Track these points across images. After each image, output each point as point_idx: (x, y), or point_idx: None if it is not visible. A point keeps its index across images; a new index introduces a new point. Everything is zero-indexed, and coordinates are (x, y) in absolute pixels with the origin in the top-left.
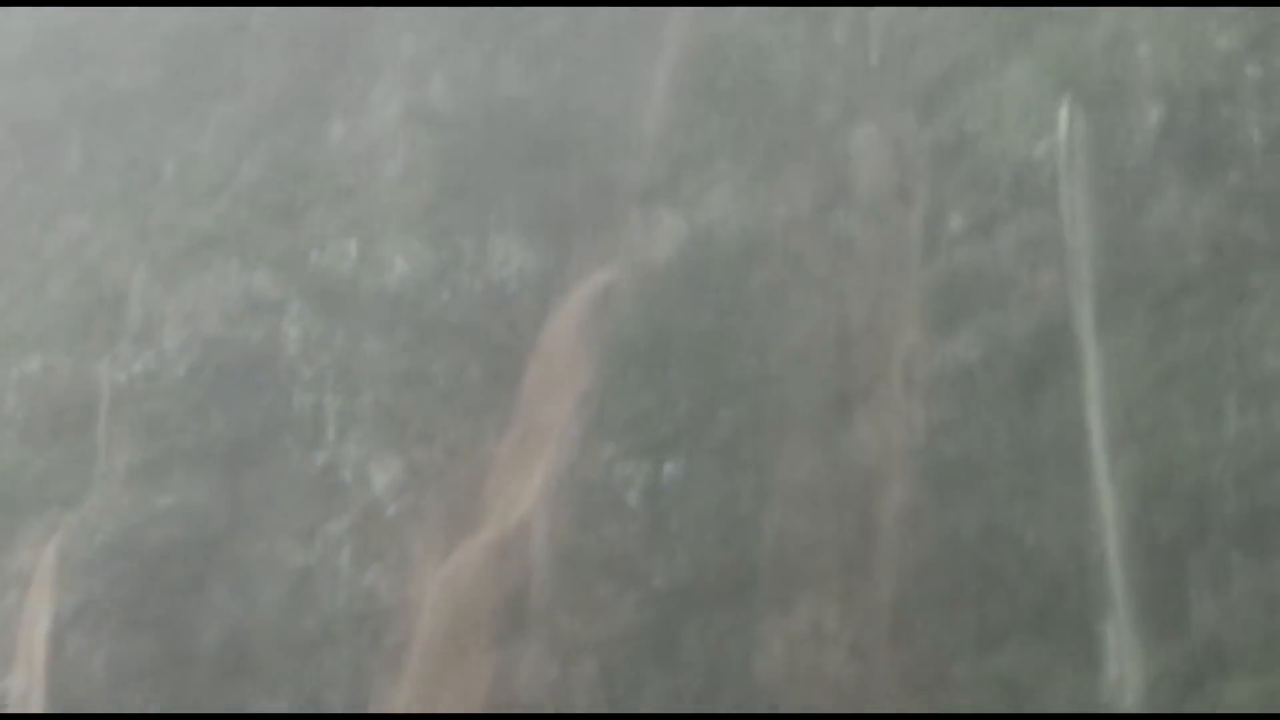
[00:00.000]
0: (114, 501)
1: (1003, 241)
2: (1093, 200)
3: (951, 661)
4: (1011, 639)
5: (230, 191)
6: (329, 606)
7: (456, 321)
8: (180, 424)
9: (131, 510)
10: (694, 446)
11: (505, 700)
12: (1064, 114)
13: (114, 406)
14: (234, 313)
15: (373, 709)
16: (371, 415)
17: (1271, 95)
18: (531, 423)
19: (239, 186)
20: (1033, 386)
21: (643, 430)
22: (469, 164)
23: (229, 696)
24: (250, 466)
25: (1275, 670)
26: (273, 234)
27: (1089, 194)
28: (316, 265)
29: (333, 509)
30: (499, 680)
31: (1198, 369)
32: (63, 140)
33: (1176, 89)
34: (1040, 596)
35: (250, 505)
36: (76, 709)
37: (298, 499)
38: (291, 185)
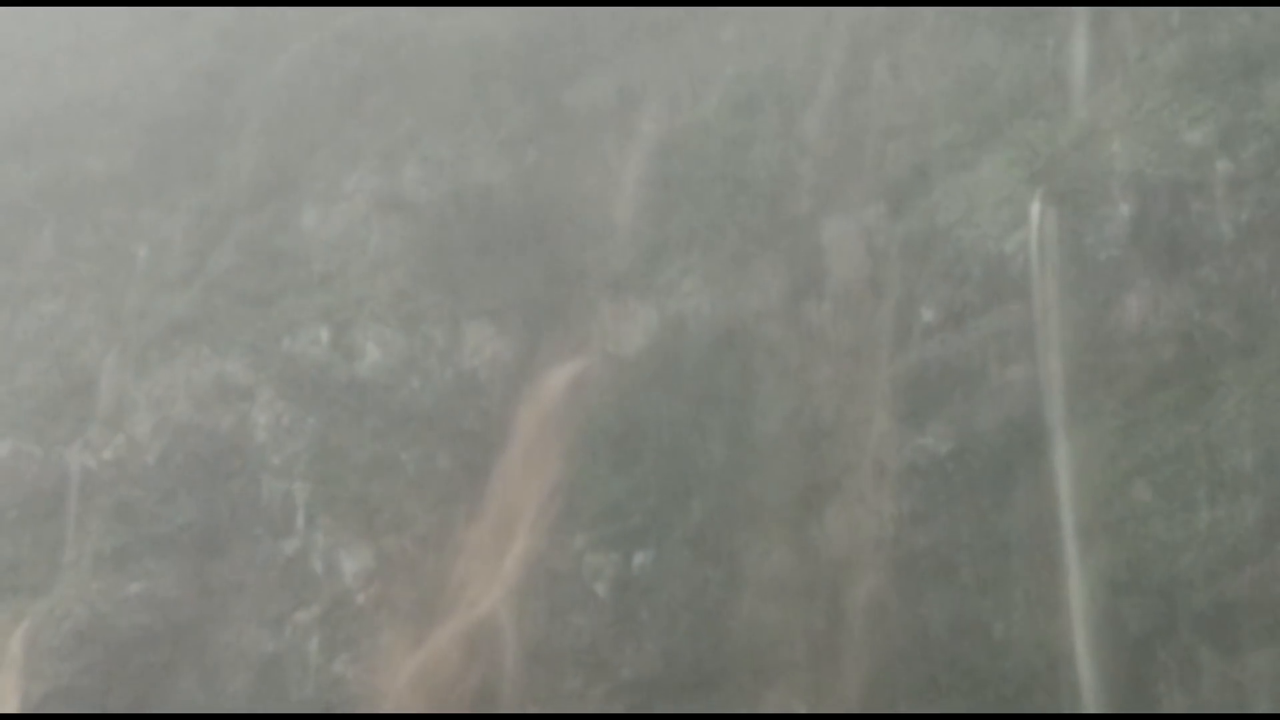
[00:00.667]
0: (83, 588)
1: (974, 334)
2: (1064, 294)
3: None
4: None
5: (202, 277)
6: (297, 695)
7: (427, 409)
8: (150, 510)
9: (100, 597)
10: (664, 537)
11: None
12: (1036, 208)
13: (84, 492)
14: (205, 399)
15: None
16: (341, 503)
17: (1241, 190)
18: (502, 512)
19: (211, 272)
20: (1003, 479)
21: (613, 520)
22: (441, 252)
23: None
24: (219, 554)
25: None
26: (244, 320)
27: (1060, 287)
28: (288, 352)
29: (302, 597)
30: None
31: (1168, 462)
32: (35, 224)
33: (1147, 184)
34: (1010, 689)
35: (219, 593)
36: None
37: (267, 587)
38: (264, 272)
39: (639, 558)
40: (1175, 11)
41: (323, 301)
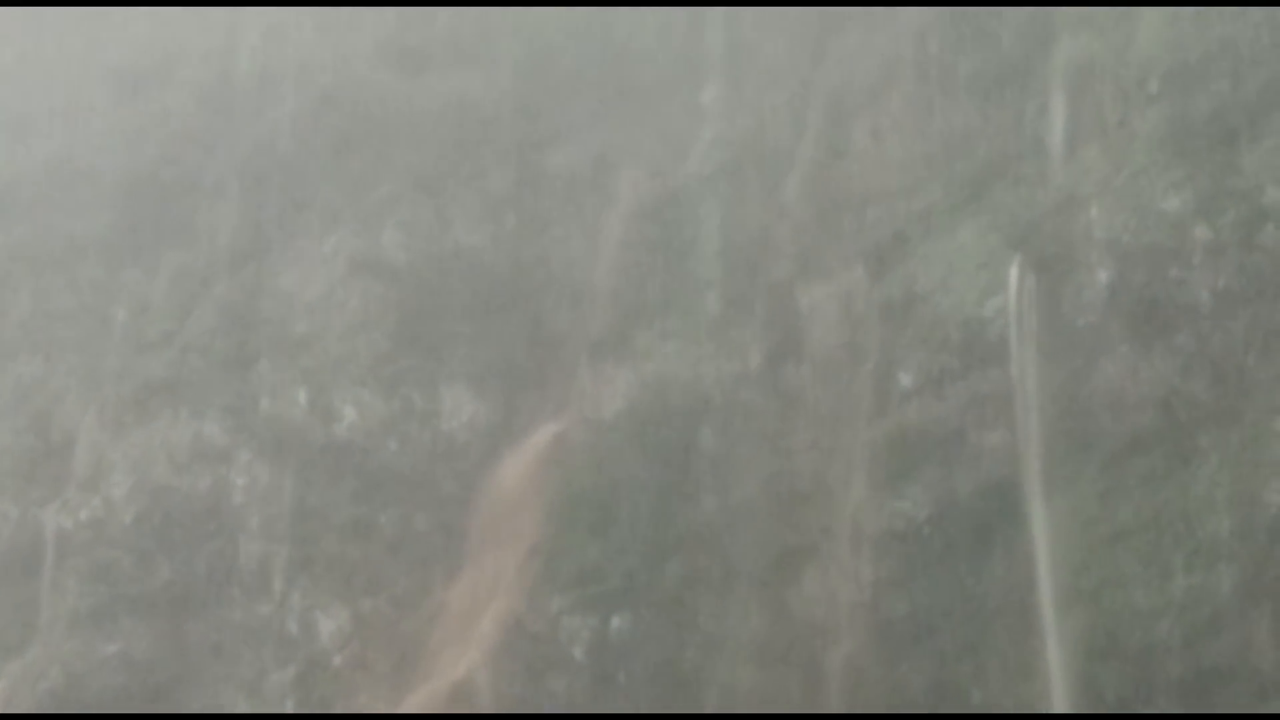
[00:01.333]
0: (58, 649)
1: (952, 399)
2: (1042, 359)
3: None
4: None
5: (181, 339)
6: None
7: (405, 471)
8: (126, 572)
9: (76, 658)
10: (642, 600)
11: None
12: (1014, 273)
13: (60, 553)
14: (182, 461)
15: None
16: (318, 565)
17: (1220, 257)
18: (479, 574)
19: (190, 334)
20: (981, 544)
21: (590, 583)
22: (420, 314)
23: None
24: (196, 615)
25: None
26: (223, 382)
27: (1038, 353)
28: (266, 414)
29: (278, 659)
30: None
31: (1145, 529)
32: (12, 285)
33: (1126, 250)
34: None
35: (195, 654)
36: None
37: (243, 648)
38: (242, 334)
39: (616, 621)
40: (1154, 78)
41: (301, 363)
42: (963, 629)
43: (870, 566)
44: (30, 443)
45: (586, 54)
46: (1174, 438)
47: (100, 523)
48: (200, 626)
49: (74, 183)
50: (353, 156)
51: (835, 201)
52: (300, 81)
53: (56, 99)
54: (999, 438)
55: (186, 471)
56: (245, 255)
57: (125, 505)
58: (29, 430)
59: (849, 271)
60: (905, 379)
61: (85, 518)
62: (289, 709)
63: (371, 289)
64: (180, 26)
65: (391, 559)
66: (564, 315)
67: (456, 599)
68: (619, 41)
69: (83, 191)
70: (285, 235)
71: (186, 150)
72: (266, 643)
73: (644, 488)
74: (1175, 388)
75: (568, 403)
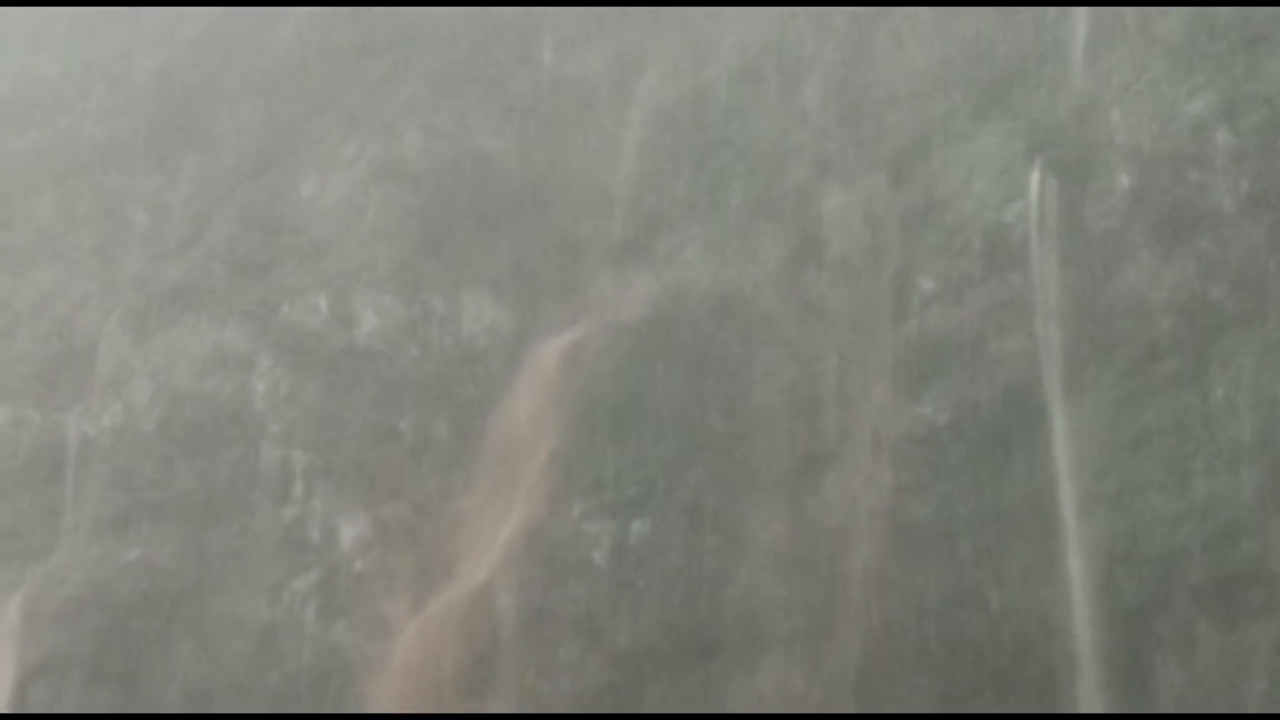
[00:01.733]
0: (81, 555)
1: (973, 305)
2: (1063, 265)
3: None
4: (977, 702)
5: (202, 245)
6: (294, 663)
7: (426, 378)
8: (148, 478)
9: (98, 564)
10: (662, 506)
11: None
12: (1035, 178)
13: (82, 459)
14: (203, 367)
15: None
16: (340, 471)
17: (1242, 161)
18: (499, 480)
19: (210, 240)
20: (1001, 450)
21: (611, 489)
22: (440, 220)
23: None
24: (217, 521)
25: None
26: (243, 288)
27: (1059, 258)
28: (287, 320)
29: (299, 565)
30: None
31: (1166, 434)
32: (34, 191)
33: (1147, 154)
34: (1006, 661)
35: (217, 560)
36: None
37: (264, 554)
38: (263, 239)
39: (636, 526)
40: None
41: (322, 269)
42: (982, 534)
43: (890, 472)
44: (52, 349)
45: None
46: (1195, 343)
47: (122, 429)
48: (222, 532)
49: (94, 88)
50: (373, 61)
51: (856, 106)
52: None
53: (76, 5)
54: (1019, 343)
55: (207, 377)
56: (266, 161)
57: (147, 411)
58: (51, 336)
59: (870, 177)
60: (926, 284)
61: (107, 424)
62: (310, 615)
63: (392, 194)
64: None
65: (412, 465)
66: (585, 220)
67: (477, 505)
68: None
69: (103, 97)
70: (306, 140)
71: (207, 55)
72: (287, 549)
73: (664, 394)
74: (1196, 293)
75: (588, 308)
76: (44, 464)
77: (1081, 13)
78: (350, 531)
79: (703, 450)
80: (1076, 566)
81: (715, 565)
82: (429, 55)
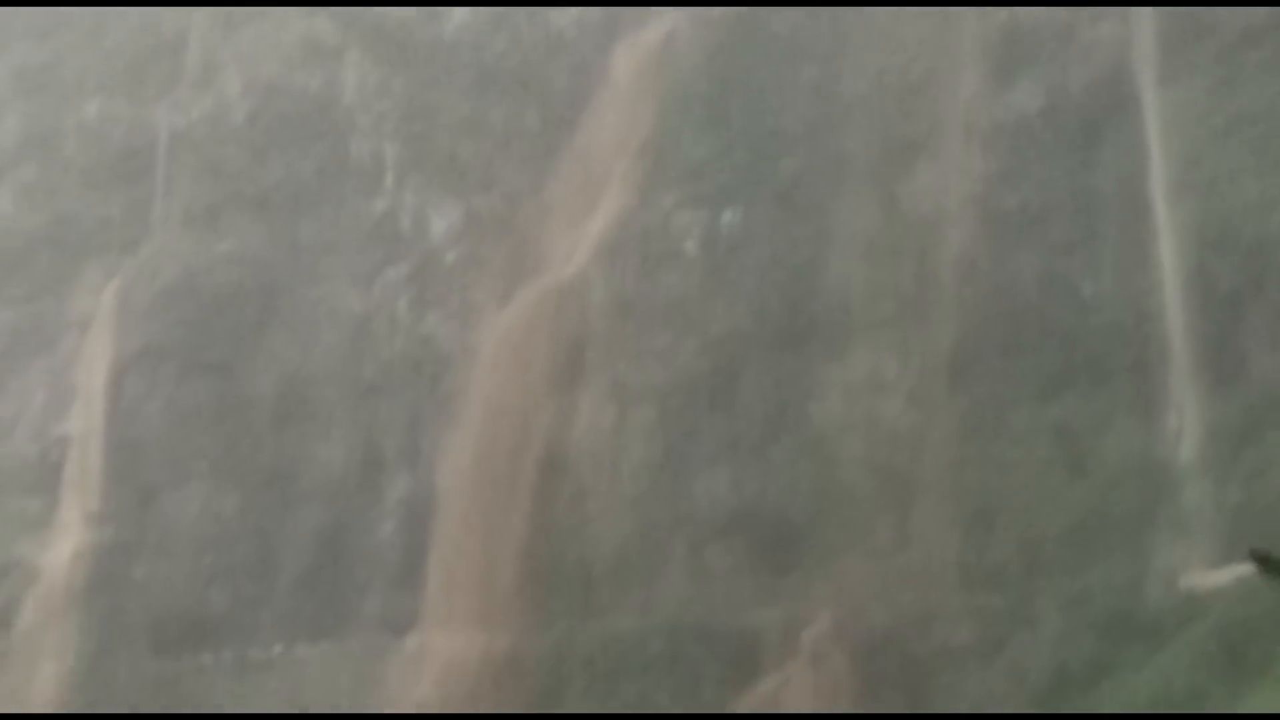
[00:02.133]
0: (173, 246)
1: None
2: None
3: (1008, 410)
4: (1069, 388)
5: None
6: (386, 353)
7: (515, 69)
8: (239, 169)
9: (191, 255)
10: (752, 195)
11: (560, 448)
12: None
13: (172, 152)
14: (293, 59)
15: (428, 455)
16: (430, 162)
17: None
18: (590, 170)
19: None
20: (1092, 137)
21: (701, 179)
22: None
23: (284, 441)
24: (308, 213)
25: None
26: None
27: None
28: (376, 12)
29: (391, 256)
30: (555, 427)
31: (1259, 120)
32: None
33: None
34: (1098, 346)
35: (308, 251)
36: (133, 452)
37: (356, 245)
38: None
39: (727, 215)
40: None
41: None
42: (1074, 221)
43: (981, 160)
44: (141, 43)
45: None
46: None
47: (212, 121)
48: (313, 224)
49: None
50: None
51: None
52: None
53: None
54: (1111, 29)
55: (297, 69)
56: None
57: (237, 103)
58: (139, 30)
59: None
60: None
61: (197, 116)
62: (402, 306)
63: None
64: None
65: (503, 156)
66: None
67: (567, 196)
68: None
69: None
70: None
71: None
72: (379, 240)
73: (755, 82)
74: None
75: None
76: (134, 157)
77: None
78: (441, 223)
79: (793, 139)
80: (1168, 253)
81: (806, 253)
82: None
